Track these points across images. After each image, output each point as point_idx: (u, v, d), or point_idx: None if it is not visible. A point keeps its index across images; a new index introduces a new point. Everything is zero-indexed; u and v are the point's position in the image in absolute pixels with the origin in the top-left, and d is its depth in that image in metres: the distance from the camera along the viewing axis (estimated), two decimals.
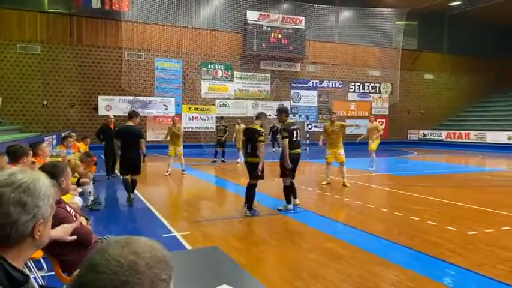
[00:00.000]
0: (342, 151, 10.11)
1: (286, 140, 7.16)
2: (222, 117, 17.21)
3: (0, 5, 19.04)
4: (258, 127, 7.08)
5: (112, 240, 0.87)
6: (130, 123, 7.95)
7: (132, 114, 8.09)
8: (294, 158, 7.29)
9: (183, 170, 12.29)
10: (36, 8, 20.08)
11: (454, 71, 30.38)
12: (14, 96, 19.43)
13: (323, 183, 10.35)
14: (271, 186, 11.23)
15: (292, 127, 7.31)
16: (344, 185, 9.96)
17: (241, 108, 24.00)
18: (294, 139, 7.24)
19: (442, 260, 4.72)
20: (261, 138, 6.94)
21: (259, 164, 6.89)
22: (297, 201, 7.61)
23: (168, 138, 12.45)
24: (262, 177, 7.13)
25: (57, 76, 20.21)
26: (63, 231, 2.64)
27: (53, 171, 2.88)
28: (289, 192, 7.35)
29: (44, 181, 1.24)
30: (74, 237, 2.70)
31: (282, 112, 7.57)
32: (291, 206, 7.37)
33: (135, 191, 8.21)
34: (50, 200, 1.25)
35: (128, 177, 7.90)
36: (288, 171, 7.25)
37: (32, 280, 1.37)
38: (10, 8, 19.32)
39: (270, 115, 20.78)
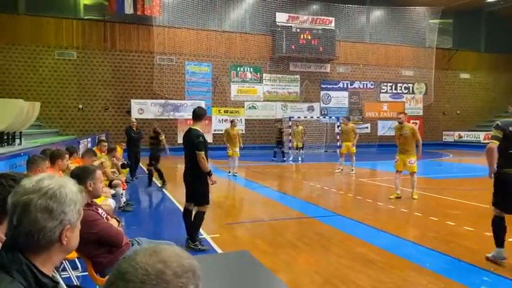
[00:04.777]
0: (413, 159, 8.47)
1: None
2: (279, 120, 19.04)
3: (39, 13, 19.89)
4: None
5: (140, 248, 0.88)
6: (195, 126, 5.37)
7: (197, 113, 5.40)
8: (507, 179, 4.66)
9: (233, 173, 12.76)
10: (73, 15, 20.89)
11: (491, 70, 29.17)
12: (51, 101, 20.20)
13: (391, 197, 8.72)
14: (298, 188, 11.15)
15: (510, 128, 4.73)
16: (412, 197, 8.56)
17: (271, 111, 23.97)
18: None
19: (481, 268, 4.51)
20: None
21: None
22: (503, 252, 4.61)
23: (226, 140, 13.09)
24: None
25: (92, 81, 20.88)
26: None
27: (79, 174, 2.93)
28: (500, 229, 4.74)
29: (71, 187, 1.25)
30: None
31: None
32: (503, 252, 4.63)
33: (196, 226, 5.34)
34: (77, 206, 1.26)
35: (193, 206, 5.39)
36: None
37: (63, 285, 1.39)
38: (48, 16, 20.14)
39: (299, 117, 20.69)
